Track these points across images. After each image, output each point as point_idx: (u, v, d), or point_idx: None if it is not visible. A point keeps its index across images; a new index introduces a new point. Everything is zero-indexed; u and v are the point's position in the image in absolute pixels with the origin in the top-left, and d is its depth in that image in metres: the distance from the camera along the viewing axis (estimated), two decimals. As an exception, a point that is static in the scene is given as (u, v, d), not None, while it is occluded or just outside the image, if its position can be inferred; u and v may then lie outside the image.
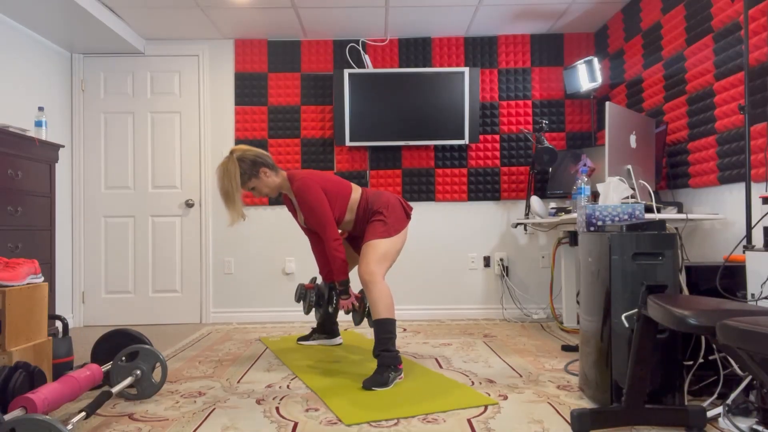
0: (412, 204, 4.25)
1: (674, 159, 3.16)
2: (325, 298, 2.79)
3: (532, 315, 4.19)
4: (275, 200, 4.23)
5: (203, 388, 2.46)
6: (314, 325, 3.92)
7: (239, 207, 2.64)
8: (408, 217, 2.78)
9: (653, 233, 2.03)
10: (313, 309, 2.82)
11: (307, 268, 4.24)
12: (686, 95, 3.01)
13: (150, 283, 4.24)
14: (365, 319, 2.93)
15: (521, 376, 2.57)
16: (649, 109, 3.42)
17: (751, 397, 1.90)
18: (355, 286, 4.09)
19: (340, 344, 3.29)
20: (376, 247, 2.62)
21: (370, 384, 2.37)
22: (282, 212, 4.26)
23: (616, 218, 2.24)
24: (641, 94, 3.51)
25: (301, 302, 2.83)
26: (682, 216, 2.65)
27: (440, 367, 2.77)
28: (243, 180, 2.66)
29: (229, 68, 4.28)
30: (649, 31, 3.39)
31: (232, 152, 2.68)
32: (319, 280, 2.88)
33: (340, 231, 2.91)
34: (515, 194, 4.26)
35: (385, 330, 2.50)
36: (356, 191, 2.80)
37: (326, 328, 3.28)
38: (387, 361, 2.44)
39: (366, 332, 3.70)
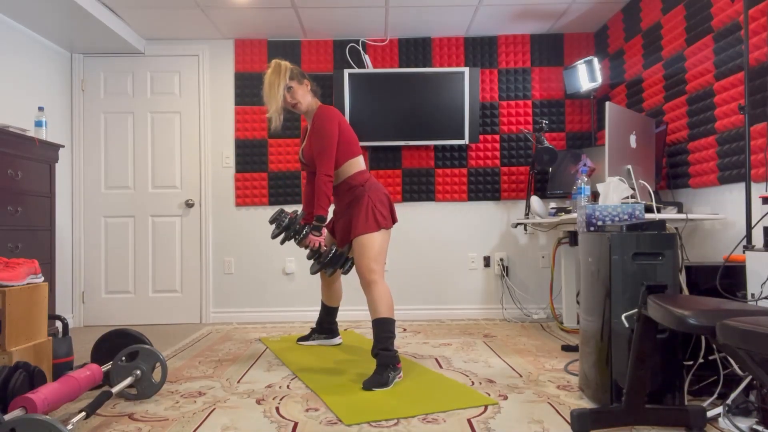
0: (412, 204, 4.26)
1: (674, 159, 3.16)
2: (296, 227, 2.76)
3: (532, 315, 4.19)
4: (275, 200, 4.23)
5: (203, 388, 2.46)
6: (314, 325, 3.92)
7: (279, 100, 2.72)
8: (393, 221, 2.78)
9: (653, 233, 2.03)
10: (282, 234, 2.79)
11: (307, 268, 4.24)
12: (686, 95, 3.01)
13: (150, 283, 4.24)
14: (323, 272, 2.88)
15: (521, 376, 2.58)
16: (649, 109, 3.42)
17: (751, 397, 1.90)
18: (355, 291, 4.10)
19: (339, 344, 3.29)
20: (371, 244, 2.61)
21: (370, 384, 2.37)
22: (282, 212, 4.25)
23: (616, 218, 2.24)
24: (641, 94, 3.51)
25: (274, 224, 2.80)
26: (682, 216, 2.65)
27: (440, 367, 2.77)
28: (291, 74, 2.76)
29: (229, 68, 4.28)
30: (649, 31, 3.39)
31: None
32: (300, 212, 2.87)
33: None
34: (515, 194, 4.26)
35: (384, 329, 2.50)
36: (361, 160, 2.82)
37: (325, 329, 3.28)
38: (386, 361, 2.44)
39: (366, 332, 3.70)
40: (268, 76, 2.75)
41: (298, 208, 4.24)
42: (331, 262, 2.77)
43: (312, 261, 2.80)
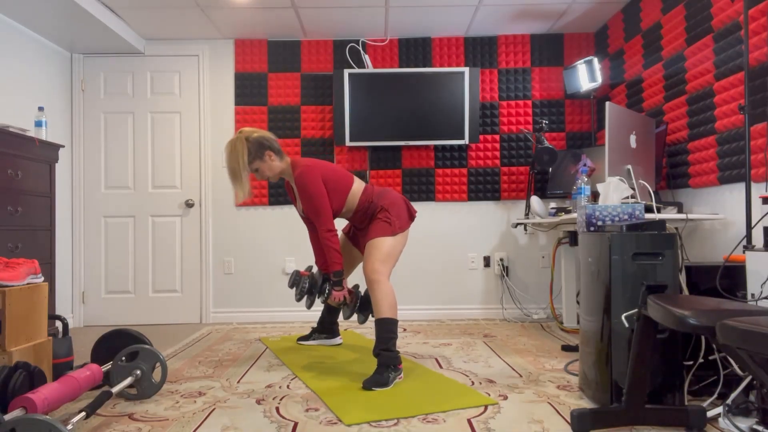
0: (411, 204, 4.25)
1: (674, 159, 3.16)
2: (318, 286, 2.80)
3: (532, 315, 4.19)
4: (275, 200, 4.23)
5: (203, 388, 2.46)
6: (314, 324, 3.92)
7: (246, 185, 2.68)
8: (411, 218, 2.80)
9: (653, 233, 2.03)
10: (305, 297, 2.84)
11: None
12: (686, 95, 3.01)
13: (150, 283, 4.24)
14: (355, 315, 2.95)
15: (521, 376, 2.57)
16: (649, 109, 3.42)
17: (751, 397, 1.90)
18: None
19: (340, 344, 3.29)
20: (380, 246, 2.63)
21: (370, 384, 2.37)
22: (282, 212, 4.26)
23: (616, 218, 2.24)
24: (641, 94, 3.51)
25: (294, 288, 2.85)
26: (682, 216, 2.65)
27: (440, 367, 2.77)
28: (249, 159, 2.69)
29: (229, 68, 4.28)
30: (649, 31, 3.39)
31: (240, 132, 2.72)
32: (315, 269, 2.93)
33: (339, 219, 2.94)
34: (515, 194, 4.26)
35: (386, 329, 2.50)
36: (358, 184, 2.80)
37: (326, 328, 3.28)
38: (387, 361, 2.44)
39: (366, 332, 3.70)
40: (228, 162, 2.68)
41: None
42: (361, 310, 2.85)
43: (343, 308, 2.86)
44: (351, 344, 3.31)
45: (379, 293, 2.54)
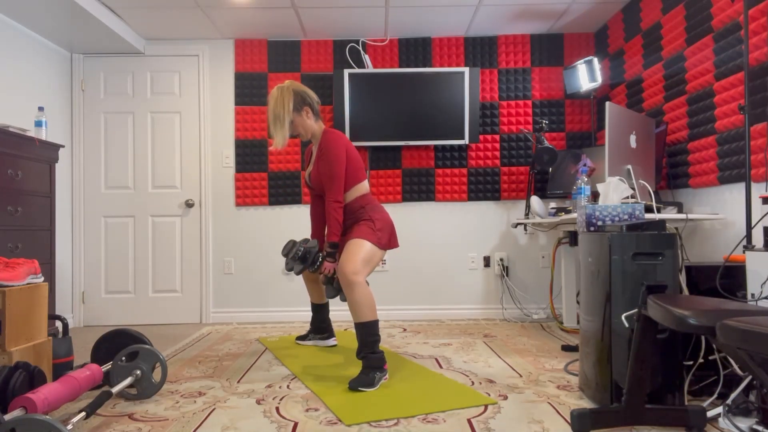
0: (412, 204, 4.26)
1: (674, 159, 3.16)
2: (312, 257, 2.80)
3: (532, 315, 4.19)
4: (275, 200, 4.23)
5: (203, 388, 2.46)
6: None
7: (286, 132, 2.74)
8: (390, 245, 2.78)
9: (653, 233, 2.03)
10: (296, 264, 2.83)
11: (307, 268, 4.24)
12: (686, 95, 3.01)
13: (150, 283, 4.24)
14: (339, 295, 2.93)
15: (521, 376, 2.57)
16: (649, 109, 3.42)
17: (751, 397, 1.90)
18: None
19: (335, 345, 3.28)
20: (363, 247, 2.60)
21: (356, 384, 2.36)
22: (282, 212, 4.26)
23: (616, 218, 2.24)
24: (641, 94, 3.51)
25: (288, 256, 2.85)
26: (682, 216, 2.65)
27: (440, 367, 2.77)
28: (294, 105, 2.76)
29: (229, 68, 4.28)
30: (649, 31, 3.39)
31: (290, 82, 2.80)
32: (311, 242, 2.92)
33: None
34: (515, 194, 4.26)
35: (370, 332, 2.48)
36: (366, 184, 2.83)
37: (319, 328, 3.26)
38: (373, 363, 2.44)
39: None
40: (273, 108, 2.73)
41: (297, 209, 4.25)
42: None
43: (327, 286, 2.83)
44: (351, 344, 3.31)
45: (359, 295, 2.49)
